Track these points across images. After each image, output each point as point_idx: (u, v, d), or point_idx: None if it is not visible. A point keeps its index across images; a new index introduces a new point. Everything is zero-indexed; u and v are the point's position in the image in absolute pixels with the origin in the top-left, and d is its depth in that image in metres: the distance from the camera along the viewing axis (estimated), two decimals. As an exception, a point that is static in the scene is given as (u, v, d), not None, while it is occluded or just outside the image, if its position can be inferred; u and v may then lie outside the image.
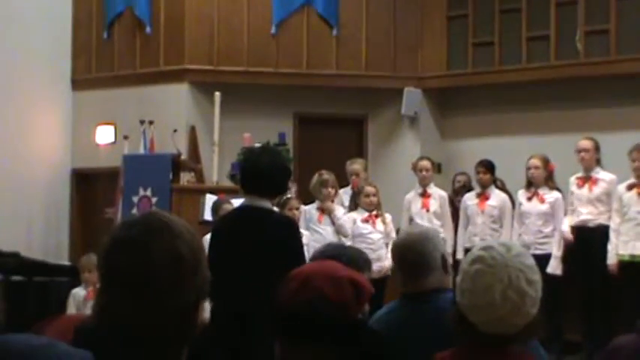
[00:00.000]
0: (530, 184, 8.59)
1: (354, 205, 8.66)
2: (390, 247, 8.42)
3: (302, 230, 6.66)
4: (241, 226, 5.00)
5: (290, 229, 5.08)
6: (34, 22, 11.28)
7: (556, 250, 8.35)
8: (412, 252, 3.47)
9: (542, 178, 8.53)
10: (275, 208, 5.73)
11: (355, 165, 9.22)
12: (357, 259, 3.49)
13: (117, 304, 1.79)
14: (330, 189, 8.45)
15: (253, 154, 5.37)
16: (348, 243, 7.74)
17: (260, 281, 4.62)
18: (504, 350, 2.44)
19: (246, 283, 4.82)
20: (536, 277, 2.47)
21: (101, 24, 11.70)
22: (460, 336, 2.50)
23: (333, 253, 3.53)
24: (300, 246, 5.02)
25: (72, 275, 8.21)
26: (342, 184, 9.17)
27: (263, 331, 2.76)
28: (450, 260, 8.27)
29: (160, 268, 1.78)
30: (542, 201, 8.49)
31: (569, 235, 8.15)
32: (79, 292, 7.87)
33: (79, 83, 11.87)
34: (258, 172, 5.06)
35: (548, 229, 8.46)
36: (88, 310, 7.08)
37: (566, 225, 8.15)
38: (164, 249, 1.80)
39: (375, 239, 8.36)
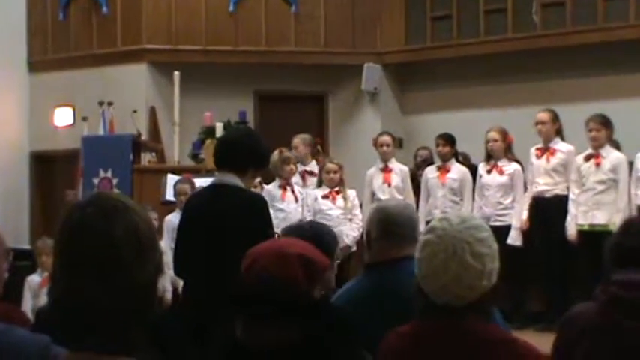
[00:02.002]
0: (490, 157, 8.65)
1: (319, 182, 8.68)
2: (352, 223, 8.46)
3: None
4: (209, 203, 4.96)
5: (258, 206, 5.03)
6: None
7: (515, 222, 8.43)
8: (400, 215, 3.60)
9: (502, 151, 8.59)
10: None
11: (297, 139, 9.19)
12: (324, 235, 3.51)
13: (78, 285, 1.78)
14: (291, 166, 8.45)
15: (227, 131, 5.39)
16: (309, 219, 7.76)
17: (225, 259, 4.62)
18: (459, 322, 2.46)
19: (213, 260, 4.81)
20: (486, 250, 2.48)
21: (57, 4, 11.58)
22: (417, 306, 2.53)
23: (304, 233, 3.52)
24: (267, 223, 4.97)
25: (31, 259, 8.18)
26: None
27: (227, 309, 2.76)
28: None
29: (122, 245, 1.79)
30: (501, 173, 8.55)
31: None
32: (34, 278, 7.78)
33: (35, 65, 11.74)
34: (229, 145, 5.02)
35: (507, 201, 8.52)
36: (43, 297, 7.03)
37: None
38: (123, 226, 1.80)
39: (334, 215, 8.37)
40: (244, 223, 4.73)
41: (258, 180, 7.94)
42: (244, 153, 4.95)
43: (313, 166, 9.11)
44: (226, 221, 4.82)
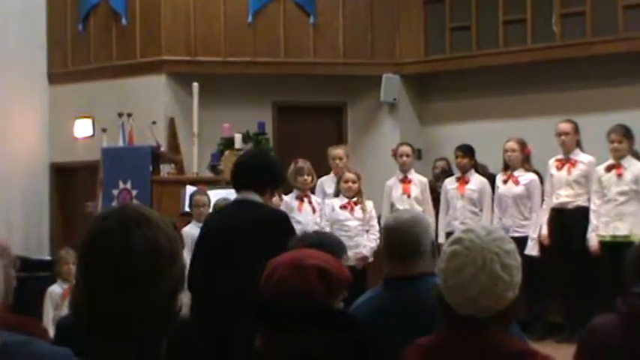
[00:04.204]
0: (507, 167, 8.62)
1: (337, 192, 8.67)
2: (370, 234, 8.43)
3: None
4: (232, 218, 5.07)
5: (279, 220, 5.13)
6: (8, 16, 11.19)
7: (532, 232, 8.39)
8: (404, 235, 3.46)
9: (519, 161, 8.57)
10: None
11: (338, 150, 9.22)
12: (329, 244, 3.50)
13: (96, 296, 1.79)
14: (305, 177, 8.45)
15: (244, 153, 5.54)
16: (327, 229, 7.75)
17: (247, 271, 4.64)
18: (481, 334, 2.45)
19: (235, 272, 4.84)
20: (513, 262, 2.47)
21: (76, 16, 11.63)
22: (440, 318, 2.52)
23: (309, 240, 3.54)
24: (289, 237, 5.02)
25: (52, 270, 8.20)
26: (323, 171, 9.17)
27: (247, 319, 2.77)
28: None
29: (139, 257, 1.79)
30: (516, 183, 8.53)
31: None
32: (54, 289, 7.76)
33: (55, 77, 11.80)
34: (247, 167, 5.17)
35: (525, 212, 8.49)
36: (65, 309, 7.03)
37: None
38: (143, 239, 1.80)
39: (352, 226, 8.35)
40: (266, 237, 4.78)
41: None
42: (260, 174, 5.13)
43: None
44: (248, 234, 4.89)
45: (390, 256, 3.53)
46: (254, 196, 5.09)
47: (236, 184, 5.25)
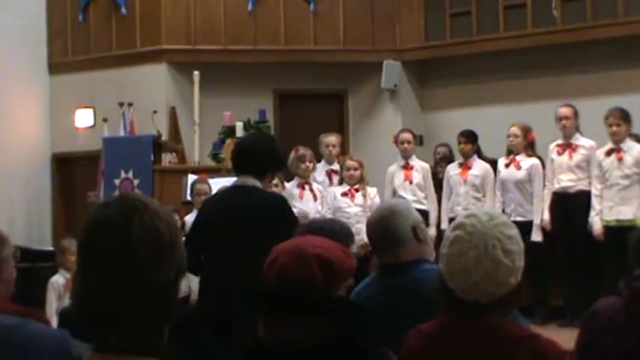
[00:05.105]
0: (510, 152, 8.62)
1: (341, 179, 8.67)
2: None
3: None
4: (231, 202, 5.04)
5: (282, 205, 5.13)
6: (8, 7, 11.18)
7: (535, 218, 8.39)
8: (379, 227, 3.50)
9: (522, 147, 8.55)
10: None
11: (332, 137, 9.19)
12: (337, 232, 3.51)
13: (97, 284, 1.79)
14: (307, 163, 8.45)
15: (244, 137, 5.50)
16: (329, 216, 7.74)
17: (247, 255, 4.66)
18: (483, 319, 2.45)
19: (235, 256, 4.84)
20: (516, 247, 2.47)
21: (76, 6, 11.62)
22: (442, 303, 2.52)
23: (316, 226, 3.56)
24: (288, 220, 5.02)
25: (54, 260, 8.20)
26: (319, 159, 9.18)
27: (250, 306, 2.77)
28: (433, 231, 8.32)
29: (139, 245, 1.78)
30: (518, 167, 8.52)
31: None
32: (57, 280, 7.75)
33: (56, 67, 11.79)
34: (247, 151, 5.14)
35: (527, 197, 8.49)
36: (68, 299, 7.02)
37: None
38: (143, 227, 1.80)
39: (352, 213, 8.32)
40: (265, 220, 4.78)
41: (275, 182, 8.00)
42: (261, 158, 5.11)
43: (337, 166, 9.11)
44: (248, 219, 4.88)
45: (373, 247, 3.64)
46: (253, 181, 5.06)
47: (236, 168, 5.23)
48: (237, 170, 5.25)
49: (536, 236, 8.31)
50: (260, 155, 5.09)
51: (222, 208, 5.08)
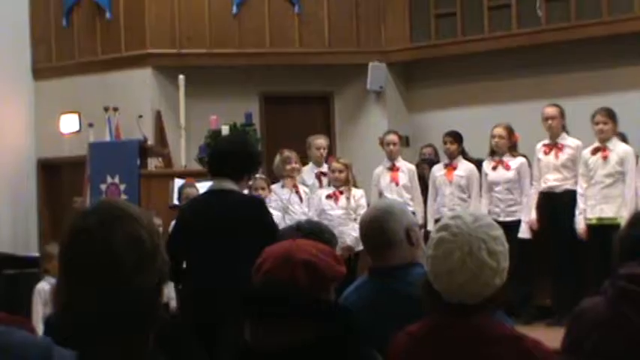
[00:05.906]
0: (494, 153, 8.63)
1: (329, 181, 8.69)
2: (357, 223, 8.40)
3: (273, 211, 6.65)
4: (209, 208, 5.03)
5: (259, 208, 5.13)
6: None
7: (524, 216, 8.41)
8: (372, 228, 3.43)
9: (506, 147, 8.58)
10: (245, 191, 5.76)
11: (321, 139, 9.23)
12: (324, 233, 3.51)
13: (80, 294, 1.78)
14: (294, 164, 8.45)
15: (220, 139, 5.50)
16: (315, 219, 7.73)
17: (229, 258, 4.66)
18: (469, 320, 2.45)
19: (217, 263, 4.84)
20: (500, 248, 2.47)
21: (60, 11, 11.59)
22: (427, 305, 2.52)
23: (304, 230, 3.54)
24: (270, 224, 5.04)
25: (40, 267, 8.16)
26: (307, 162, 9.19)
27: (235, 311, 2.76)
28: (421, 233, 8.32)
29: (121, 252, 1.78)
30: (507, 168, 8.54)
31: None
32: (43, 286, 7.71)
33: (40, 72, 11.75)
34: (223, 154, 5.12)
35: (516, 196, 8.50)
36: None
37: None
38: (123, 235, 1.80)
39: (335, 216, 8.31)
40: (242, 225, 4.79)
41: (261, 185, 8.00)
42: (237, 161, 5.09)
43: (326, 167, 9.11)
44: (228, 222, 4.88)
45: (366, 249, 3.57)
46: (229, 184, 5.05)
47: (212, 171, 5.22)
48: (212, 173, 5.23)
49: (526, 233, 8.33)
50: (235, 157, 5.08)
51: (201, 213, 5.06)
